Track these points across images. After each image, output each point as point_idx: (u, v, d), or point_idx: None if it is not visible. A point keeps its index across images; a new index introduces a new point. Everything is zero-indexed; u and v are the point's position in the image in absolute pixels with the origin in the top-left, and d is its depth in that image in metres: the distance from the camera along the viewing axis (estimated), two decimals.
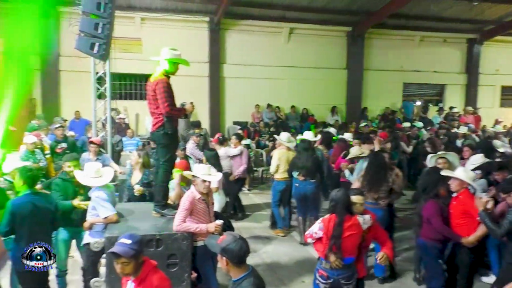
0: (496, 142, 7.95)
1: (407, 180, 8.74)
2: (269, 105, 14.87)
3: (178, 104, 4.54)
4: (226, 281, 4.50)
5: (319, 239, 3.89)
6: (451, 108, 15.81)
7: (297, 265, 6.04)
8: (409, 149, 9.94)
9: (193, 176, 4.18)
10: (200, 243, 4.04)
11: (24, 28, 12.28)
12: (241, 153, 7.99)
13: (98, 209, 4.21)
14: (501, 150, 7.36)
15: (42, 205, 4.19)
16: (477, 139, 10.39)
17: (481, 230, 4.27)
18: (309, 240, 4.01)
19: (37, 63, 12.87)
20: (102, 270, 3.87)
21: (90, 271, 4.39)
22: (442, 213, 4.48)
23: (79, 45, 7.53)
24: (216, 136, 8.50)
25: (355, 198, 3.93)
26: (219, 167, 5.96)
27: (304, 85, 15.34)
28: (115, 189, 5.35)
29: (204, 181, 4.06)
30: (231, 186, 7.77)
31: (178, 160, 5.45)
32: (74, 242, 4.97)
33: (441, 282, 4.55)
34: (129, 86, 14.02)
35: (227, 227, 4.33)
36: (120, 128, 11.27)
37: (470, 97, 17.21)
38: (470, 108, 15.91)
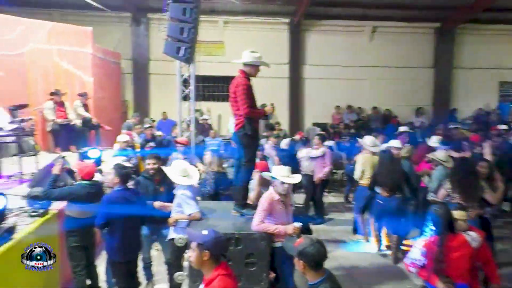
0: None
1: None
2: (349, 106, 14.51)
3: (259, 106, 4.60)
4: (303, 283, 4.44)
5: (422, 266, 3.53)
6: None
7: (376, 272, 5.80)
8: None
9: (272, 177, 4.20)
10: (278, 244, 4.05)
11: (118, 35, 13.41)
12: (324, 154, 7.80)
13: (183, 206, 4.39)
14: None
15: (133, 200, 4.48)
16: None
17: None
18: (412, 270, 3.63)
19: (129, 67, 13.95)
20: (186, 264, 4.03)
21: (174, 265, 4.61)
22: None
23: (166, 50, 7.95)
24: (297, 136, 8.45)
25: (457, 214, 3.53)
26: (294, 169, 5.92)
27: (387, 85, 14.75)
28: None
29: (283, 183, 4.06)
30: (314, 188, 7.64)
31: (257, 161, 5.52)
32: None
33: None
34: (212, 87, 14.54)
35: (305, 229, 4.28)
36: (204, 128, 11.70)
37: None
38: None
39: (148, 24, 13.93)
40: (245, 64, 4.36)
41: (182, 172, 4.57)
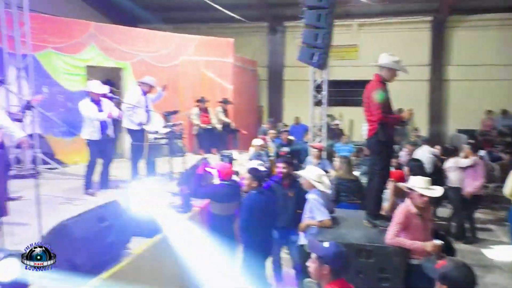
0: None
1: None
2: (504, 111, 12.70)
3: (395, 111, 4.35)
4: None
5: None
6: None
7: None
8: None
9: (409, 188, 3.91)
10: (415, 262, 3.75)
11: (256, 44, 14.16)
12: (476, 164, 6.94)
13: (314, 212, 4.39)
14: None
15: (271, 202, 4.66)
16: None
17: None
18: None
19: (265, 74, 14.63)
20: None
21: (303, 271, 4.63)
22: None
23: (301, 56, 8.08)
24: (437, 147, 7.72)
25: None
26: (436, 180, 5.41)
27: None
28: None
29: (422, 195, 3.75)
30: (462, 203, 6.91)
31: (393, 170, 5.22)
32: None
33: None
34: (345, 92, 14.30)
35: (448, 249, 3.87)
36: (335, 134, 11.59)
37: None
38: None
39: (284, 32, 14.42)
40: (381, 68, 4.17)
41: (317, 177, 4.57)
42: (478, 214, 8.57)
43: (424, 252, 3.64)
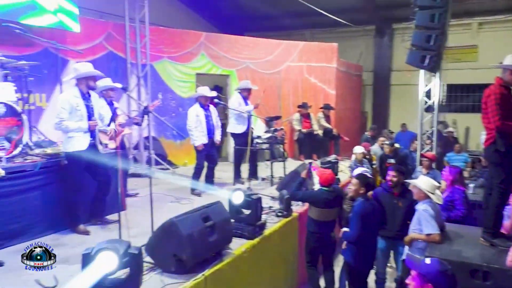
0: None
1: None
2: None
3: None
4: None
5: None
6: None
7: None
8: None
9: None
10: None
11: (361, 48, 13.78)
12: None
13: (422, 224, 4.07)
14: None
15: (377, 210, 4.49)
16: None
17: None
18: None
19: (370, 78, 14.11)
20: None
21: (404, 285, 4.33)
22: None
23: (410, 59, 7.63)
24: None
25: None
26: None
27: None
28: None
29: None
30: None
31: None
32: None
33: None
34: (460, 97, 13.12)
35: None
36: (448, 142, 10.68)
37: None
38: None
39: (391, 35, 13.75)
40: (505, 70, 3.72)
41: (431, 188, 4.24)
42: None
43: None
